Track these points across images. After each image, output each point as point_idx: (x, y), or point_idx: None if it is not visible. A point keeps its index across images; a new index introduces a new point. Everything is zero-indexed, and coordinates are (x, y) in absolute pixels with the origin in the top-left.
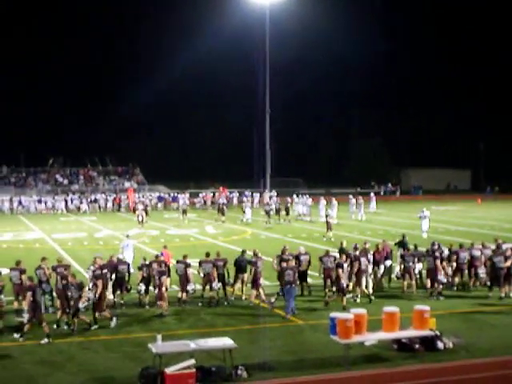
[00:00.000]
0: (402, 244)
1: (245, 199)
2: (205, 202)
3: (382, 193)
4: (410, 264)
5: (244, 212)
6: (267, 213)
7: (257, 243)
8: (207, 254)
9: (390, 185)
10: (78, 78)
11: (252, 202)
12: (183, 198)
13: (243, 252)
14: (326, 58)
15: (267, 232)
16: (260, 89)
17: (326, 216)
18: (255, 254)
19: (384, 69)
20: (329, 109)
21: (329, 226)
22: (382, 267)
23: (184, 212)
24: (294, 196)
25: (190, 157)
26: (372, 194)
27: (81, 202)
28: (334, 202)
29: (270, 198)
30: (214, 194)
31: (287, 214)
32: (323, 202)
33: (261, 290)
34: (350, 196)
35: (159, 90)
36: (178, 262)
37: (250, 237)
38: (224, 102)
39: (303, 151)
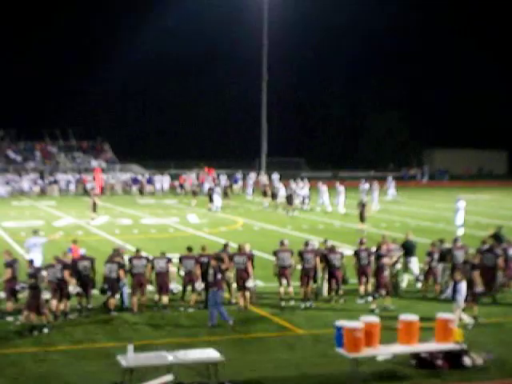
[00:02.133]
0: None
1: (240, 182)
2: (181, 186)
3: (402, 177)
4: (434, 264)
5: (211, 200)
6: (268, 196)
7: (249, 236)
8: (189, 249)
9: (410, 169)
10: (42, 47)
11: (228, 187)
12: (161, 181)
13: (225, 246)
14: (337, 18)
15: (262, 222)
16: (255, 51)
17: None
18: (239, 249)
19: (407, 30)
20: (340, 78)
21: (362, 217)
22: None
23: (194, 194)
24: (292, 181)
25: (169, 132)
26: (390, 179)
27: (36, 183)
28: (340, 188)
29: (270, 180)
30: (197, 176)
31: (289, 203)
32: (323, 188)
33: (247, 294)
34: (363, 180)
35: (137, 55)
36: (155, 257)
37: (242, 228)
38: (213, 68)
39: (308, 127)
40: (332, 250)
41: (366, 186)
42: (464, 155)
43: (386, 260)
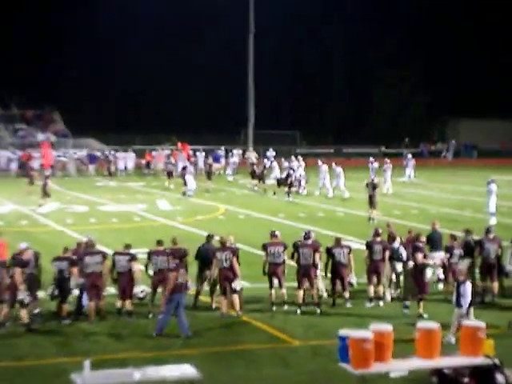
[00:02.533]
0: None
1: (222, 161)
2: (148, 165)
3: (421, 153)
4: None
5: (185, 183)
6: (257, 177)
7: (233, 226)
8: (159, 242)
9: (431, 144)
10: None
11: (209, 167)
12: (124, 159)
13: (209, 237)
14: None
15: (248, 210)
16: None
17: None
18: (222, 243)
19: None
20: (344, 35)
21: (372, 202)
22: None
23: (169, 175)
24: (283, 159)
25: (135, 99)
26: (410, 156)
27: None
28: (338, 169)
29: (266, 157)
30: (169, 155)
31: (259, 179)
32: (323, 167)
33: (235, 298)
34: (371, 159)
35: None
36: (116, 253)
37: (224, 216)
38: (192, 24)
39: (304, 93)
40: (337, 243)
41: (376, 164)
42: (495, 127)
43: (419, 257)
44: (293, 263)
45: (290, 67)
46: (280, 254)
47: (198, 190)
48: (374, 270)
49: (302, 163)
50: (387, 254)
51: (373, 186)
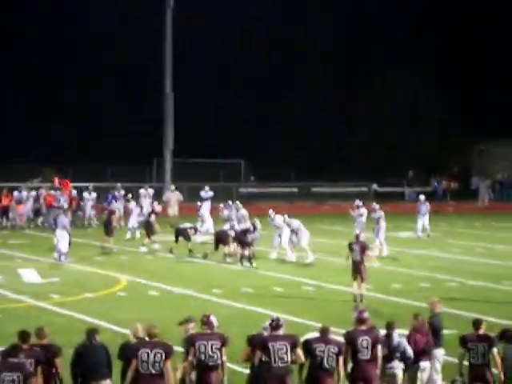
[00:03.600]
0: None
1: (119, 204)
2: (3, 211)
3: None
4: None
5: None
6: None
7: (141, 308)
8: (23, 336)
9: (449, 180)
10: None
11: (111, 214)
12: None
13: (92, 333)
14: None
15: (165, 283)
16: None
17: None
18: (149, 335)
19: None
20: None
21: (359, 272)
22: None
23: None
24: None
25: None
26: (422, 198)
27: None
28: (295, 223)
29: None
30: (38, 196)
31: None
32: (277, 219)
33: None
34: (357, 202)
35: None
36: None
37: (127, 293)
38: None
39: (253, 106)
40: (322, 334)
41: (364, 211)
42: None
43: None
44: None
45: (232, 68)
46: (215, 353)
47: (89, 250)
48: (360, 377)
49: (244, 211)
50: (379, 351)
51: (360, 247)
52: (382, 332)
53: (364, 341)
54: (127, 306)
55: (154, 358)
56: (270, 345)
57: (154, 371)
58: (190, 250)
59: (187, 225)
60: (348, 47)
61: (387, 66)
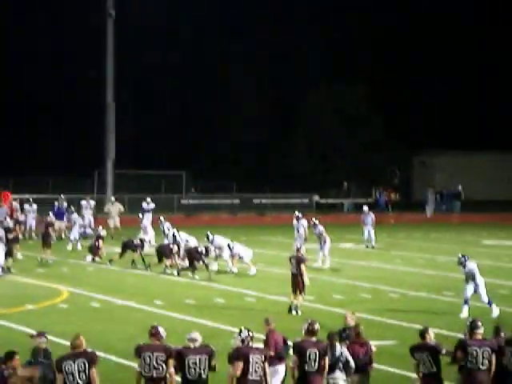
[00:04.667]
0: None
1: (65, 217)
2: None
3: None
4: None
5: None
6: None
7: (82, 320)
8: None
9: (390, 192)
10: None
11: (48, 225)
12: None
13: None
14: None
15: (107, 295)
16: None
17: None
18: (73, 347)
19: None
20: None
21: (295, 284)
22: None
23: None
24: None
25: None
26: (366, 209)
27: None
28: (219, 242)
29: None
30: None
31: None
32: (218, 241)
33: None
34: (296, 214)
35: None
36: None
37: (68, 305)
38: None
39: (191, 114)
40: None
41: (304, 222)
42: (483, 163)
43: None
44: None
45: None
46: (160, 365)
47: (30, 262)
48: None
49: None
50: (326, 362)
51: (296, 261)
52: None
53: (312, 353)
54: (69, 318)
55: (78, 368)
56: (250, 358)
57: (80, 382)
58: (133, 261)
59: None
60: (283, 61)
61: (323, 79)
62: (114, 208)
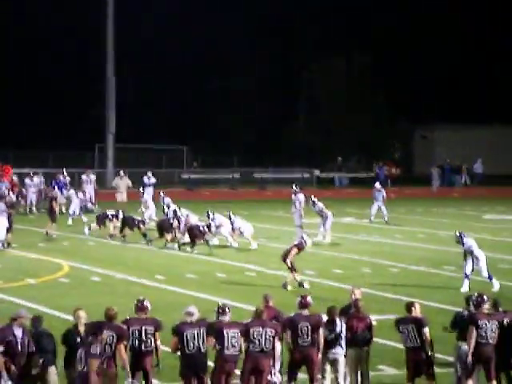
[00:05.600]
0: None
1: (65, 191)
2: None
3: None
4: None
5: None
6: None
7: (83, 294)
8: None
9: (391, 166)
10: None
11: (52, 199)
12: None
13: (37, 320)
14: None
15: (107, 269)
16: None
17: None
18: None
19: None
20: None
21: (289, 265)
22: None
23: None
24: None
25: None
26: (377, 186)
27: None
28: (220, 220)
29: (142, 186)
30: None
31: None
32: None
33: None
34: (294, 188)
35: None
36: None
37: (69, 279)
38: None
39: (195, 95)
40: (257, 316)
41: (299, 196)
42: (482, 136)
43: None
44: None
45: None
46: (149, 338)
47: (31, 236)
48: (300, 361)
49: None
50: (321, 336)
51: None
52: (325, 318)
53: (304, 327)
54: (69, 292)
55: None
56: (224, 332)
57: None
58: (124, 236)
59: (112, 212)
60: (284, 34)
61: (323, 53)
62: (123, 182)
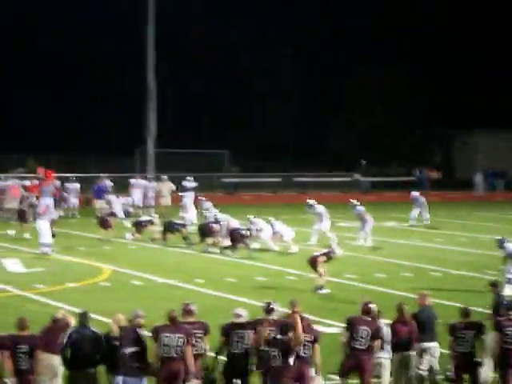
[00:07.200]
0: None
1: (107, 196)
2: None
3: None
4: None
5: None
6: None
7: (123, 297)
8: (22, 324)
9: (431, 171)
10: None
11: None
12: None
13: (83, 317)
14: None
15: (148, 273)
16: None
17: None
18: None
19: None
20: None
21: (316, 265)
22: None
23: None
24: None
25: None
26: (415, 195)
27: None
28: (261, 225)
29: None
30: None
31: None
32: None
33: None
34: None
35: None
36: None
37: (110, 283)
38: None
39: (235, 100)
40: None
41: (318, 209)
42: None
43: None
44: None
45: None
46: (197, 342)
47: (72, 240)
48: (354, 365)
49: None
50: (377, 342)
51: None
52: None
53: (364, 331)
54: (110, 295)
55: (177, 342)
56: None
57: (175, 355)
58: (185, 238)
59: (146, 218)
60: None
61: (364, 56)
62: (165, 186)
